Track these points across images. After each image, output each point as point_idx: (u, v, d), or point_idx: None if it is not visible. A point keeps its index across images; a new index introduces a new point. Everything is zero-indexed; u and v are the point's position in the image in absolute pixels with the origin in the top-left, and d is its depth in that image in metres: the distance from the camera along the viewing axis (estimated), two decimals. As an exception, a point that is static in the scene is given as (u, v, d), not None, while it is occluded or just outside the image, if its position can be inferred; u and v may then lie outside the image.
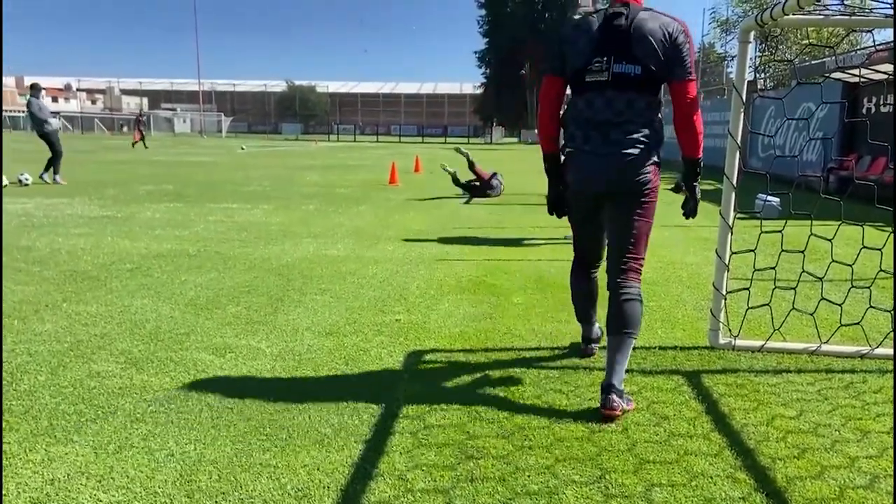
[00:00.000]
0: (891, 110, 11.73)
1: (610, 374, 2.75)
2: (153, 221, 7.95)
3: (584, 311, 3.38)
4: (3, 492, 2.10)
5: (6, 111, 61.81)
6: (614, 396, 2.68)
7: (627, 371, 3.22)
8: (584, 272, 3.28)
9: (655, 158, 2.86)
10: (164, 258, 5.74)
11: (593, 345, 3.48)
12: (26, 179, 11.82)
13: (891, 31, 3.71)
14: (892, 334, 3.44)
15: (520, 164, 21.76)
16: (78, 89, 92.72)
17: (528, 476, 2.25)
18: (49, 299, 4.34)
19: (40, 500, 2.06)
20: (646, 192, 2.84)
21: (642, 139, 2.80)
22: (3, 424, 2.56)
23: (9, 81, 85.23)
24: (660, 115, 2.88)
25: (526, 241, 6.98)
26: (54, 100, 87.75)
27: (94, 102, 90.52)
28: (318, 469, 2.27)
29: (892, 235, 3.30)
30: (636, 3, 2.84)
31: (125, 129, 66.01)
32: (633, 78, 2.74)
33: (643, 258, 2.94)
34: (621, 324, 2.83)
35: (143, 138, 30.98)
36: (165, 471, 2.25)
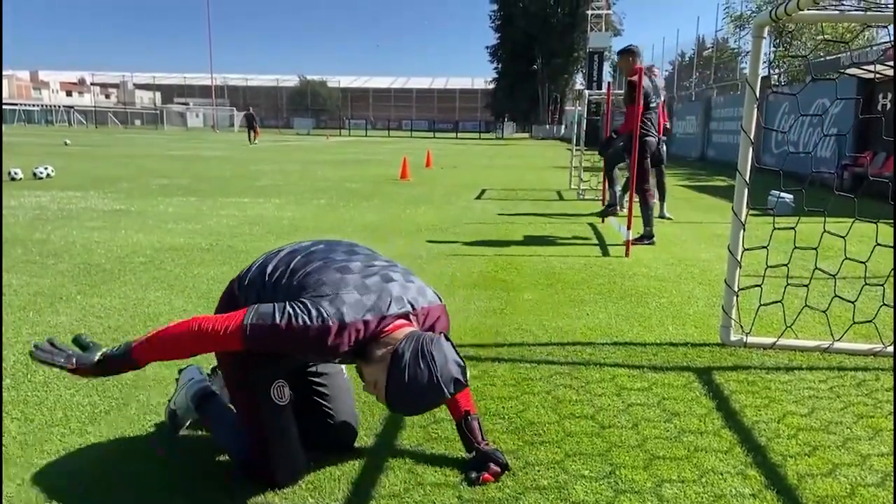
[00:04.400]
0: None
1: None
2: (166, 215, 8.00)
3: None
4: (19, 482, 2.13)
5: (21, 105, 62.36)
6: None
7: (637, 367, 3.23)
8: None
9: None
10: (177, 251, 5.78)
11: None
12: (41, 173, 11.91)
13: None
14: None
15: (531, 159, 21.73)
16: (92, 83, 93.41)
17: (538, 471, 2.26)
18: (64, 291, 4.38)
19: (55, 489, 2.09)
20: None
21: None
22: (19, 415, 2.59)
23: (23, 76, 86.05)
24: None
25: (536, 236, 6.97)
26: (68, 94, 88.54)
27: (107, 97, 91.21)
28: (329, 462, 2.28)
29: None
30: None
31: (138, 122, 66.42)
32: None
33: None
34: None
35: (256, 135, 31.54)
36: (180, 461, 2.27)
